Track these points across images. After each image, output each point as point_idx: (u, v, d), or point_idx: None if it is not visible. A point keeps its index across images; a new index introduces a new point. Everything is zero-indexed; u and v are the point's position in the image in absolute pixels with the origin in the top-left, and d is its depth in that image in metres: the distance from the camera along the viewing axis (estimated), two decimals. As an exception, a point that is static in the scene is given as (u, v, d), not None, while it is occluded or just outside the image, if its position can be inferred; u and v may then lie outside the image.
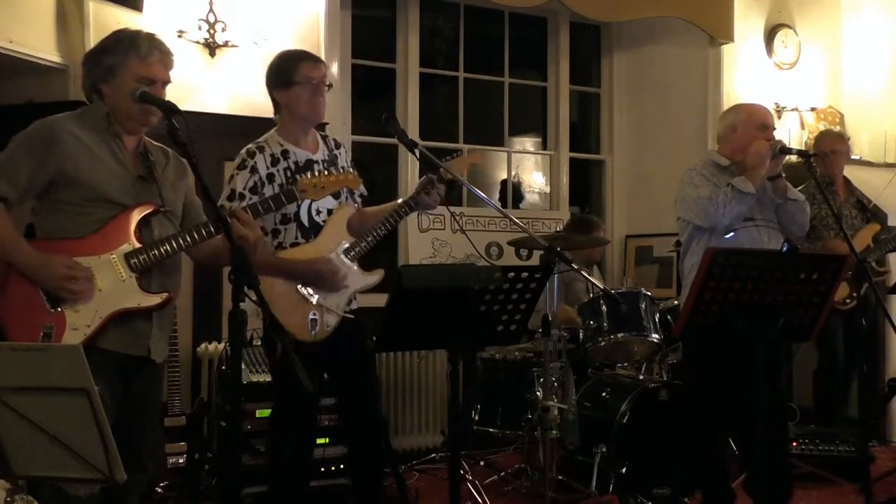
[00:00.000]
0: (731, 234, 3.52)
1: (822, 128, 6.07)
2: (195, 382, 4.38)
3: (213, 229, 2.65)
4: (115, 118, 2.69)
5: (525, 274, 2.69)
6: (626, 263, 6.22)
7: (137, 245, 2.63)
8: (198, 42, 4.45)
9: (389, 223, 3.30)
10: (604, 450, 4.11)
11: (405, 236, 5.42)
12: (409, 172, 5.59)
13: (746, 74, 6.13)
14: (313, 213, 3.25)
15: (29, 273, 2.54)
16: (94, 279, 2.57)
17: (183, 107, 2.56)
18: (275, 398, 3.43)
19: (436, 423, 5.23)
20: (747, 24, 6.13)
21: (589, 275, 3.44)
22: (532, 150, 6.44)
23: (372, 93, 5.78)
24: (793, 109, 6.28)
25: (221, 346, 4.31)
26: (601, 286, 3.47)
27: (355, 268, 3.29)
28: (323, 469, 3.95)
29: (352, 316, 3.28)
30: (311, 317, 3.16)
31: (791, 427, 4.58)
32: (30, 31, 4.11)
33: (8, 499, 2.12)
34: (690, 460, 3.75)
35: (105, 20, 4.20)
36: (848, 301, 4.93)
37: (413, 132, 5.51)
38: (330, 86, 3.33)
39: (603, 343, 4.41)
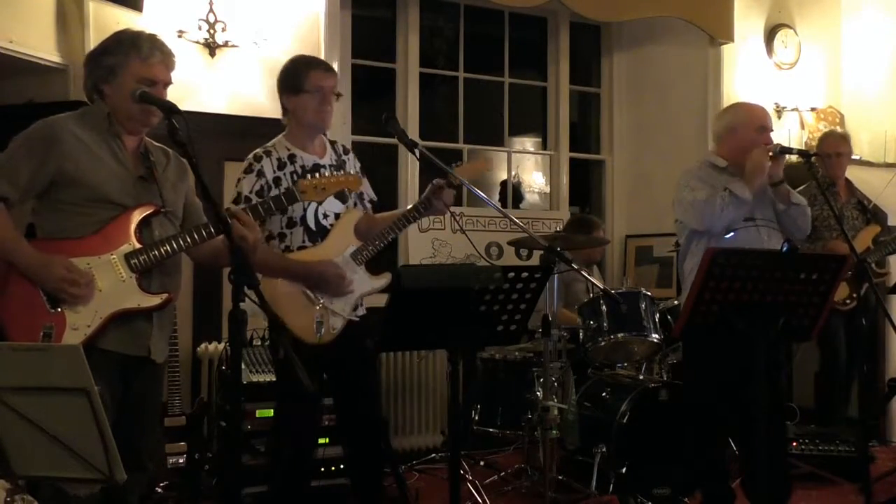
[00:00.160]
0: (731, 233, 3.51)
1: (822, 128, 6.07)
2: (195, 382, 4.39)
3: (213, 230, 2.64)
4: (115, 118, 2.69)
5: (525, 274, 2.69)
6: (626, 263, 6.22)
7: (138, 245, 2.63)
8: (198, 42, 4.45)
9: (398, 228, 3.30)
10: (604, 450, 4.11)
11: (405, 236, 5.40)
12: (409, 173, 5.60)
13: (746, 74, 6.13)
14: (320, 216, 3.25)
15: (29, 273, 2.54)
16: (94, 280, 2.57)
17: (183, 107, 2.56)
18: (277, 398, 3.43)
19: (436, 423, 5.23)
20: (747, 24, 6.12)
21: (589, 275, 3.44)
22: (532, 150, 6.44)
23: (372, 93, 5.77)
24: (793, 109, 6.27)
25: (221, 346, 4.31)
26: (601, 286, 3.47)
27: (362, 271, 3.30)
28: (323, 469, 3.95)
29: (357, 319, 3.29)
30: (316, 319, 3.15)
31: (791, 427, 4.58)
32: (30, 31, 4.11)
33: (8, 499, 2.12)
34: (690, 460, 3.75)
35: (105, 20, 4.20)
36: (848, 301, 4.93)
37: (413, 132, 5.51)
38: (339, 95, 3.33)
39: (603, 343, 4.40)
